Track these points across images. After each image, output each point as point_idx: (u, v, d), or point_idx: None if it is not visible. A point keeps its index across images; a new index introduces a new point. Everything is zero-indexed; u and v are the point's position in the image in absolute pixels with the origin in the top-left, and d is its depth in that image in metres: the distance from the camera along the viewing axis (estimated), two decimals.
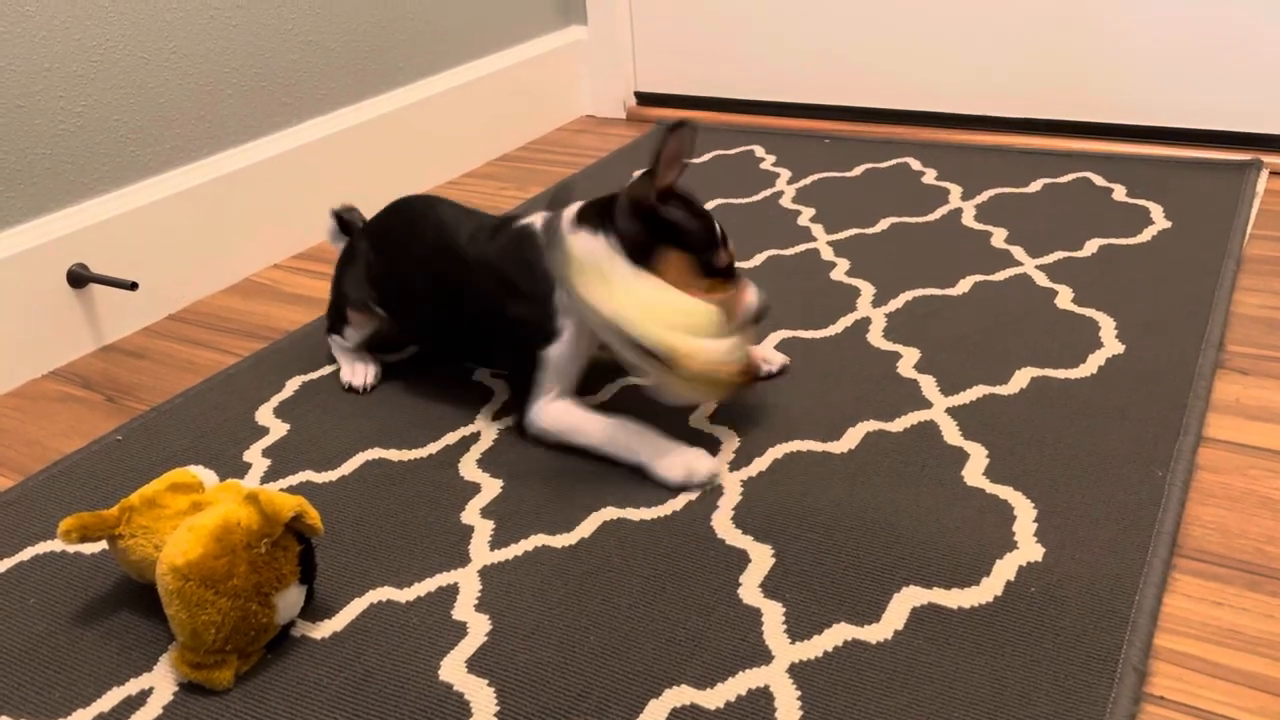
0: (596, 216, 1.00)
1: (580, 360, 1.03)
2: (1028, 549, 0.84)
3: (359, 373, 1.15)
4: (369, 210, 1.21)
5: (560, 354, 1.00)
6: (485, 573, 0.86)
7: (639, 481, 0.95)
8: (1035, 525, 0.86)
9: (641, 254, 0.98)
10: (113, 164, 1.30)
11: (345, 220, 1.21)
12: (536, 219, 1.04)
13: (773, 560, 0.85)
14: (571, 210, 1.02)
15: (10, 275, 1.19)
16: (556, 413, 1.01)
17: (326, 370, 1.18)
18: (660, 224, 0.98)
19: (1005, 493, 0.90)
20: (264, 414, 1.11)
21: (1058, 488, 0.91)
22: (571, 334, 1.00)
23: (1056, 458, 0.94)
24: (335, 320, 1.17)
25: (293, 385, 1.16)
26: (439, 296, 1.08)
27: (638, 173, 1.02)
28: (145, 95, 1.32)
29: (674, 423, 1.04)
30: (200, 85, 1.39)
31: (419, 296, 1.10)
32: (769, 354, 1.12)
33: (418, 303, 1.11)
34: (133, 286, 1.23)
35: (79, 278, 1.25)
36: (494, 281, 1.02)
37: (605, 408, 1.07)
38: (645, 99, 2.09)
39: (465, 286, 1.04)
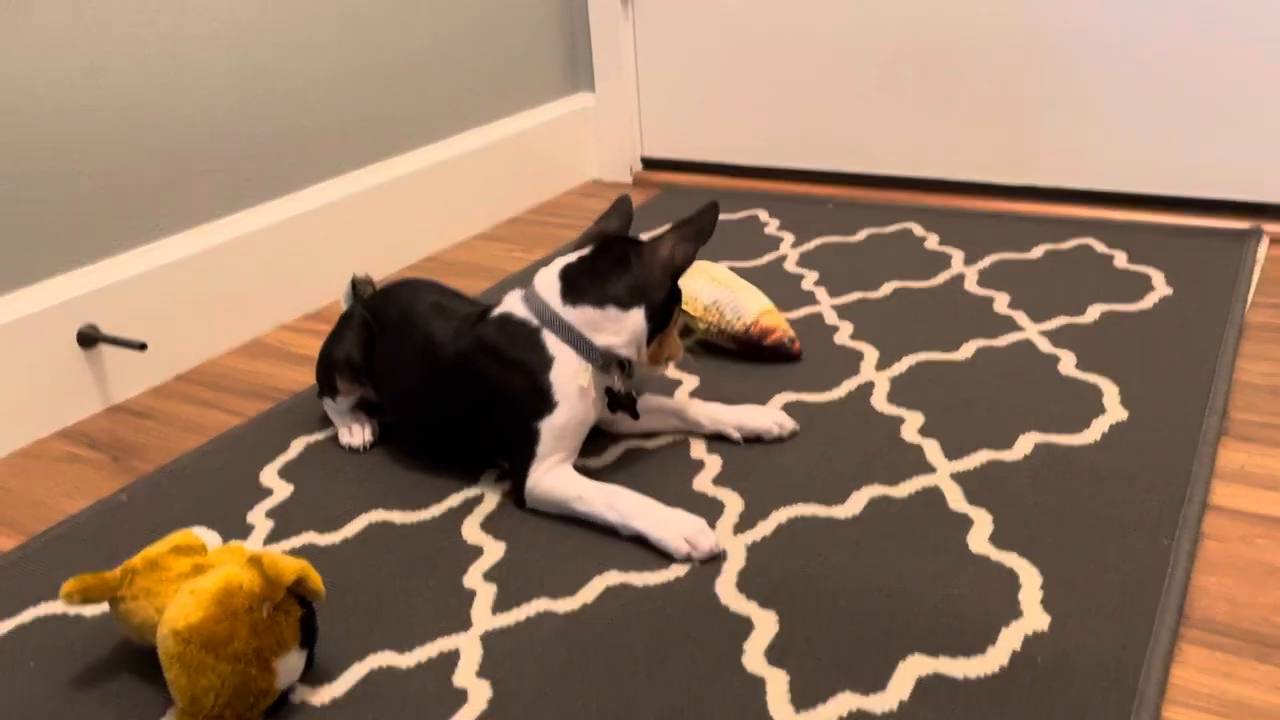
0: (592, 289, 1.01)
1: (580, 431, 1.03)
2: (1034, 617, 0.83)
3: (356, 433, 1.15)
4: (383, 271, 1.22)
5: (558, 424, 1.00)
6: (487, 638, 0.86)
7: (641, 546, 0.95)
8: (1041, 593, 0.86)
9: (665, 311, 1.04)
10: (128, 225, 1.32)
11: (359, 290, 1.22)
12: (514, 303, 1.04)
13: (777, 627, 0.84)
14: (551, 286, 1.02)
15: (22, 335, 1.20)
16: (554, 480, 1.00)
17: (331, 431, 1.19)
18: (675, 287, 1.04)
19: (1010, 560, 0.90)
20: (268, 475, 1.11)
21: (1063, 555, 0.90)
22: (570, 404, 1.00)
23: (1061, 524, 0.94)
24: (325, 384, 1.17)
25: (298, 446, 1.16)
26: (425, 392, 1.07)
27: (646, 235, 1.04)
28: (163, 159, 1.35)
29: (678, 485, 1.04)
30: (216, 150, 1.41)
31: (406, 389, 1.10)
32: (780, 418, 1.12)
33: (405, 394, 1.10)
34: (142, 347, 1.24)
35: (89, 338, 1.26)
36: (486, 363, 1.02)
37: (609, 470, 1.07)
38: (651, 164, 2.12)
39: (454, 379, 1.04)
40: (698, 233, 1.01)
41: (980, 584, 0.87)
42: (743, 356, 1.29)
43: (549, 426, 1.00)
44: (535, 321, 1.01)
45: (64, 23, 1.21)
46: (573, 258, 1.04)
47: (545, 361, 1.00)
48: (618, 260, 1.02)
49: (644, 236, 1.05)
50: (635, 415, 1.07)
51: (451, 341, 1.05)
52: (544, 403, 1.00)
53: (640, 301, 1.01)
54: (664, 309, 1.03)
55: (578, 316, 1.01)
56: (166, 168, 1.36)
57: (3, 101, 1.17)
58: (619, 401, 1.05)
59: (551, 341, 1.00)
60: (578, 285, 1.02)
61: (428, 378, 1.07)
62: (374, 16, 1.61)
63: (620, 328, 1.01)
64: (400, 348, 1.10)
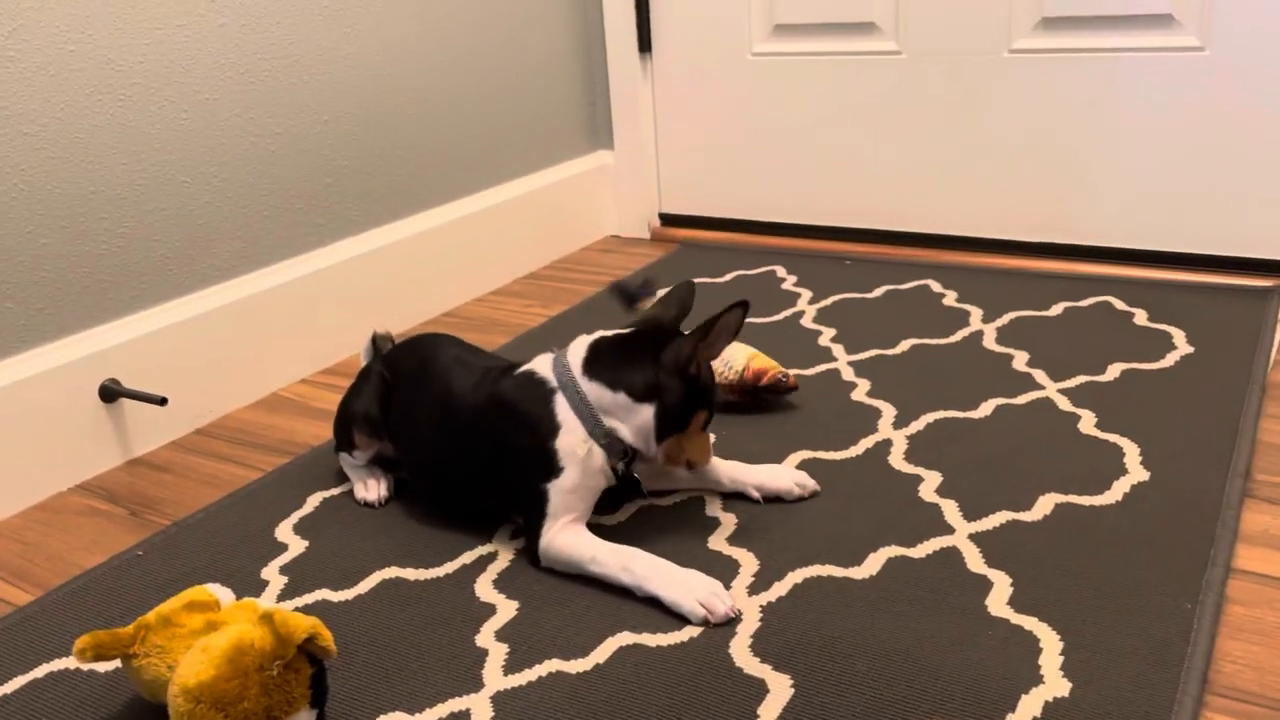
0: (610, 369, 1.00)
1: (590, 495, 1.02)
2: (1054, 683, 0.82)
3: (371, 488, 1.16)
4: (402, 326, 1.24)
5: (566, 486, 1.00)
6: (498, 699, 0.85)
7: (656, 606, 0.94)
8: (1061, 658, 0.84)
9: (681, 414, 1.01)
10: (150, 282, 1.34)
11: (379, 347, 1.23)
12: (542, 363, 1.04)
13: (791, 691, 0.83)
14: (579, 354, 1.02)
15: (45, 390, 1.22)
16: (567, 540, 0.99)
17: (347, 486, 1.19)
18: (695, 386, 1.01)
19: (1030, 623, 0.89)
20: (284, 530, 1.11)
21: (1084, 619, 0.89)
22: (574, 470, 1.00)
23: (1082, 587, 0.93)
24: (343, 439, 1.18)
25: (313, 501, 1.17)
26: (442, 443, 1.08)
27: (684, 335, 1.02)
28: (184, 218, 1.37)
29: (693, 543, 1.03)
30: (237, 208, 1.43)
31: (423, 441, 1.10)
32: (800, 478, 1.11)
33: (422, 446, 1.11)
34: (162, 402, 1.25)
35: (110, 392, 1.27)
36: (499, 417, 1.02)
37: (624, 527, 1.07)
38: (669, 220, 2.14)
39: (471, 431, 1.04)
40: (721, 333, 0.99)
41: (1000, 648, 0.86)
42: (743, 406, 1.30)
43: (557, 488, 1.00)
44: (554, 384, 1.01)
45: (94, 85, 1.24)
46: (610, 333, 1.04)
47: (553, 427, 1.00)
48: (645, 350, 1.01)
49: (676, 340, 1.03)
50: (643, 494, 1.08)
51: (470, 393, 1.06)
52: (550, 466, 1.00)
53: (652, 399, 1.00)
54: (679, 411, 1.01)
55: (592, 391, 1.00)
56: (188, 227, 1.38)
57: (31, 162, 1.20)
58: (621, 481, 1.04)
59: (562, 407, 1.00)
60: (601, 361, 1.01)
61: (445, 429, 1.07)
62: (395, 76, 1.64)
63: (628, 417, 1.00)
64: (418, 400, 1.11)
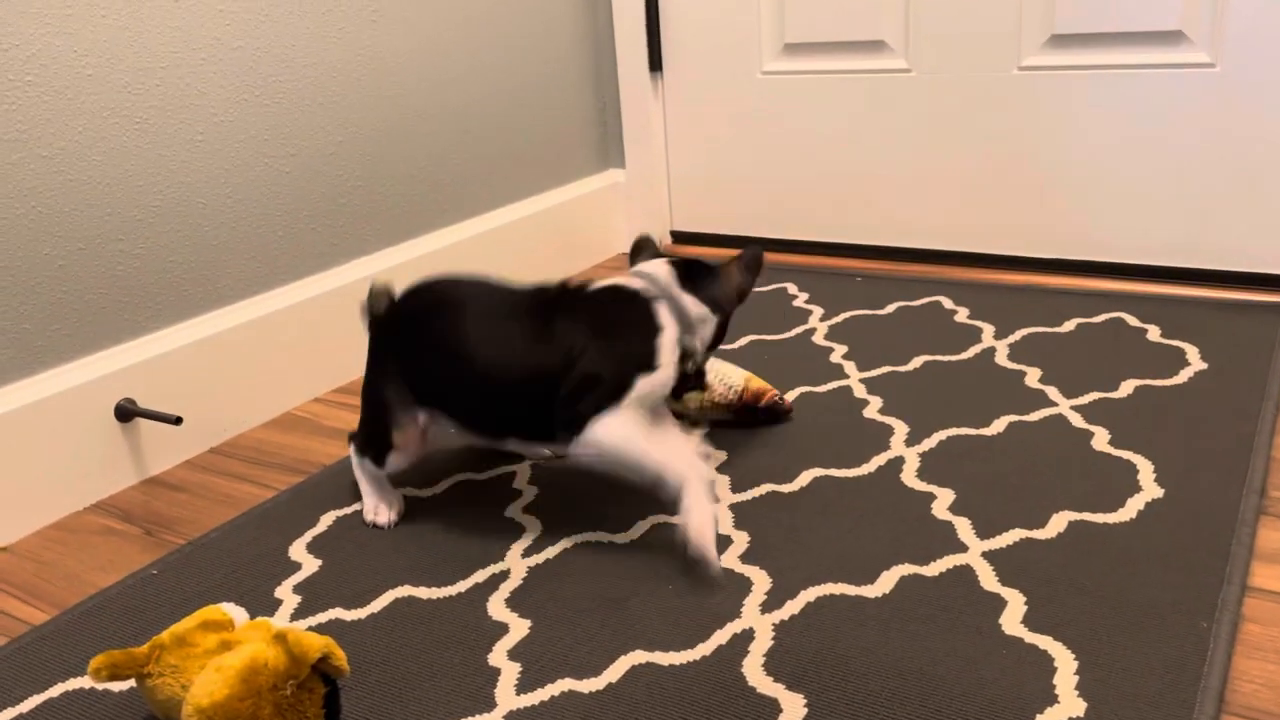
0: (695, 286, 1.13)
1: (657, 400, 1.10)
2: (1069, 703, 0.81)
3: (382, 512, 1.15)
4: None
5: (655, 380, 1.07)
6: (511, 718, 0.85)
7: (669, 623, 0.94)
8: (1076, 677, 0.84)
9: (720, 334, 1.17)
10: (165, 302, 1.35)
11: (374, 305, 1.16)
12: (623, 279, 1.12)
13: (805, 710, 0.83)
14: (666, 271, 1.13)
15: (61, 409, 1.23)
16: (622, 425, 1.04)
17: (360, 505, 1.19)
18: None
19: (1044, 642, 0.88)
20: (297, 549, 1.12)
21: (1099, 637, 0.88)
22: (667, 369, 1.08)
23: (1097, 606, 0.92)
24: (374, 441, 1.14)
25: (327, 520, 1.17)
26: (502, 364, 1.07)
27: (729, 258, 1.17)
28: (200, 239, 1.38)
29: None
30: (252, 228, 1.45)
31: (473, 373, 1.08)
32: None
33: (471, 381, 1.08)
34: (177, 421, 1.26)
35: (126, 412, 1.28)
36: (596, 320, 1.08)
37: (633, 545, 1.07)
38: (680, 237, 2.14)
39: (545, 339, 1.07)
40: (751, 264, 1.16)
41: (1014, 668, 0.86)
42: (739, 425, 1.31)
43: (645, 380, 1.06)
44: (652, 292, 1.10)
45: (111, 109, 1.26)
46: (675, 258, 1.15)
47: (656, 327, 1.09)
48: (709, 273, 1.14)
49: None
50: (702, 387, 1.22)
51: (540, 305, 1.09)
52: (649, 360, 1.07)
53: (718, 312, 1.14)
54: (721, 329, 1.16)
55: (688, 302, 1.12)
56: (203, 248, 1.39)
57: (49, 184, 1.21)
58: (686, 382, 1.14)
59: (664, 312, 1.09)
60: (689, 279, 1.13)
61: (512, 343, 1.08)
62: (407, 98, 1.66)
63: (704, 329, 1.13)
64: (455, 334, 1.09)
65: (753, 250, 1.16)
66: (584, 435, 1.04)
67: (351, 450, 1.19)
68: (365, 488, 1.18)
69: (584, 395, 1.04)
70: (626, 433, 1.03)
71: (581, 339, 1.05)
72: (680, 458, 1.04)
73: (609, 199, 2.11)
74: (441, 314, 1.11)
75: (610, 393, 1.04)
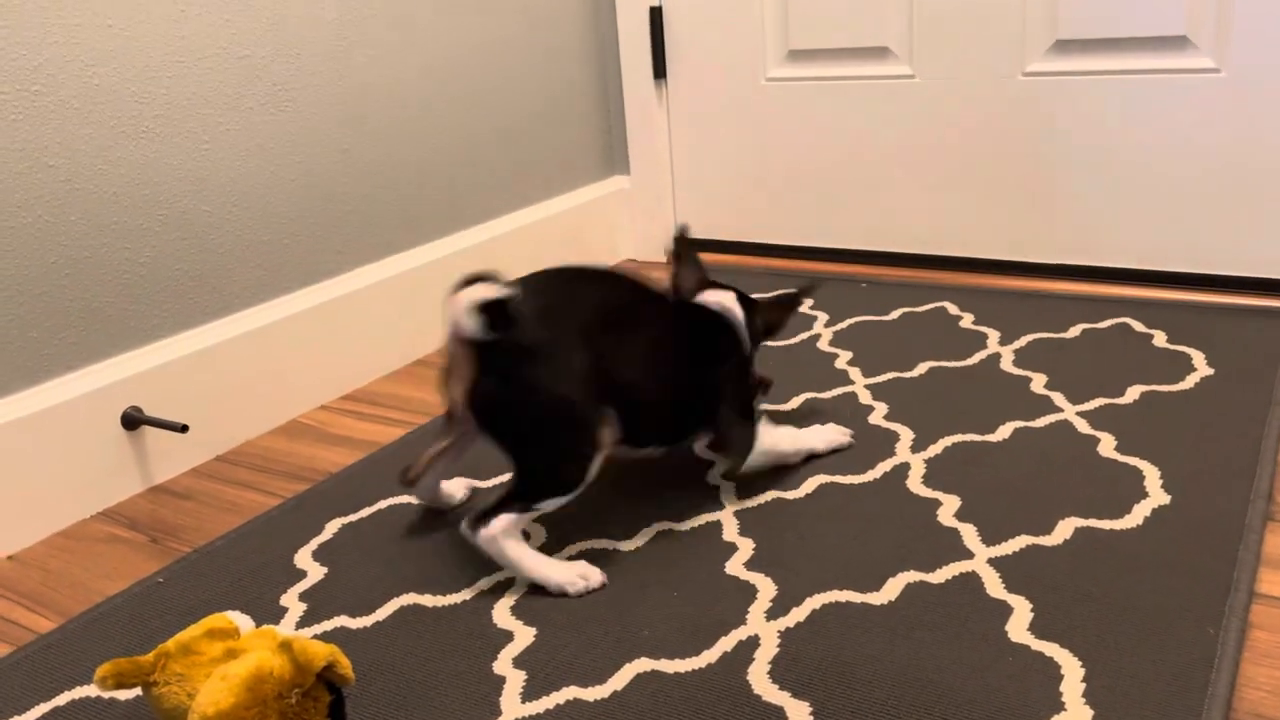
0: (749, 314, 1.22)
1: None
2: (1076, 710, 0.81)
3: (593, 575, 1.02)
4: (421, 352, 1.23)
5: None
6: None
7: (674, 631, 0.94)
8: (1083, 685, 0.84)
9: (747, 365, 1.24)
10: (172, 310, 1.36)
11: (495, 307, 0.94)
12: (709, 300, 1.21)
13: (810, 718, 0.83)
14: (735, 303, 1.21)
15: (68, 418, 1.23)
16: (768, 432, 1.19)
17: (366, 512, 1.19)
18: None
19: (1051, 649, 0.88)
20: (303, 557, 1.12)
21: (1105, 645, 0.88)
22: None
23: (1103, 613, 0.92)
24: (573, 458, 1.00)
25: (332, 527, 1.17)
26: (679, 365, 1.12)
27: (770, 296, 1.27)
28: (206, 247, 1.39)
29: (710, 568, 1.03)
30: (258, 237, 1.45)
31: (658, 376, 1.08)
32: (832, 436, 1.27)
33: (657, 384, 1.08)
34: (183, 429, 1.26)
35: (132, 420, 1.28)
36: (723, 343, 1.17)
37: (639, 552, 1.07)
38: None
39: (702, 342, 1.16)
40: (789, 304, 1.27)
41: (1020, 675, 0.85)
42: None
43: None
44: (730, 317, 1.20)
45: (118, 118, 1.26)
46: (731, 294, 1.22)
47: (748, 347, 1.21)
48: (750, 305, 1.23)
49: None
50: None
51: (680, 315, 1.18)
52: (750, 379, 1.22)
53: (753, 343, 1.22)
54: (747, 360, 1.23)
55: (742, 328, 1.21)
56: (209, 256, 1.40)
57: (55, 194, 1.22)
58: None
59: (743, 334, 1.20)
60: (743, 306, 1.22)
61: (680, 343, 1.14)
62: (413, 106, 1.66)
63: None
64: (636, 328, 1.08)
65: (792, 294, 1.27)
66: (758, 448, 1.16)
67: (501, 522, 1.00)
68: (533, 560, 1.02)
69: (743, 411, 1.16)
70: (775, 436, 1.20)
71: (727, 363, 1.17)
72: (818, 435, 1.23)
73: (614, 205, 2.11)
74: (614, 316, 1.06)
75: (750, 419, 1.17)
